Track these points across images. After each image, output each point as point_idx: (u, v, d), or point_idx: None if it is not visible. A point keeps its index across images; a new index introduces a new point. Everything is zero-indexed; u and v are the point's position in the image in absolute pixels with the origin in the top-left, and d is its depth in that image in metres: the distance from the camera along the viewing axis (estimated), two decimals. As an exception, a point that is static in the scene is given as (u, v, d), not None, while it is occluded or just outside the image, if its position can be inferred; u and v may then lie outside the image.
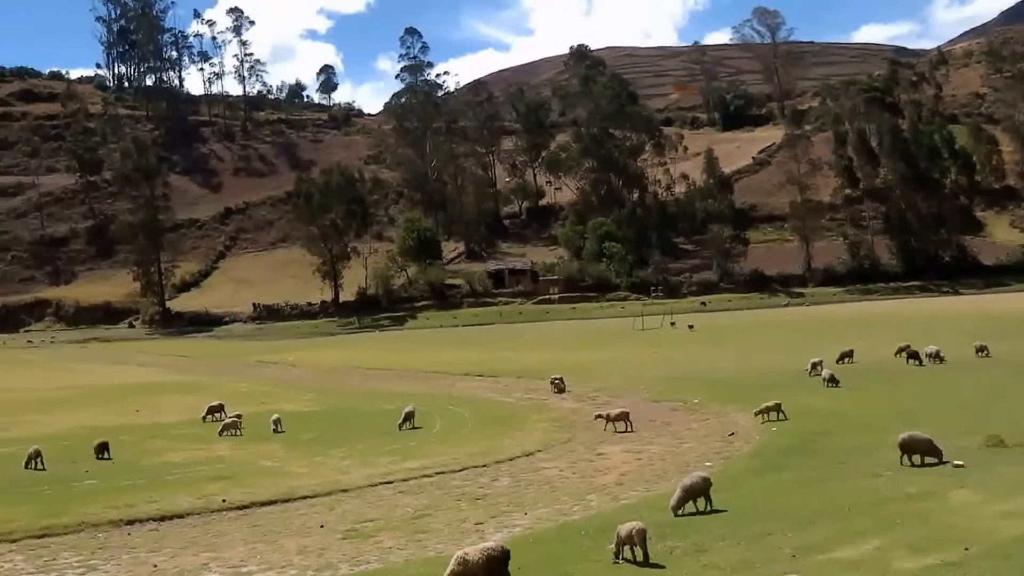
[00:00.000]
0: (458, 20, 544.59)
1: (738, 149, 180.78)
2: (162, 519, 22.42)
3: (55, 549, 20.24)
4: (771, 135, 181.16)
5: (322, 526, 21.77)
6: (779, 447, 27.54)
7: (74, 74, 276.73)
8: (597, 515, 21.34)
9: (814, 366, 43.44)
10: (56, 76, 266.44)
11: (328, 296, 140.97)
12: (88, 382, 61.92)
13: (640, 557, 17.03)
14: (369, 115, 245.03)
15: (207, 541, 20.77)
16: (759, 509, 19.89)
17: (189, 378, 63.15)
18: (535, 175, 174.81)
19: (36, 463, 28.65)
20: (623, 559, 17.14)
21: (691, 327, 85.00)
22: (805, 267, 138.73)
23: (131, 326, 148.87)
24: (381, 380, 56.43)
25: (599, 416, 34.73)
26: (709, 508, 20.18)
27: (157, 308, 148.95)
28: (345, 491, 25.29)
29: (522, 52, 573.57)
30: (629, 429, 33.24)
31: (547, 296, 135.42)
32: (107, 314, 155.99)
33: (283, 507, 23.82)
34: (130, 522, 22.13)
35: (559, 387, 45.02)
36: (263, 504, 23.99)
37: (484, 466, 28.16)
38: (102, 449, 30.27)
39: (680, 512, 20.00)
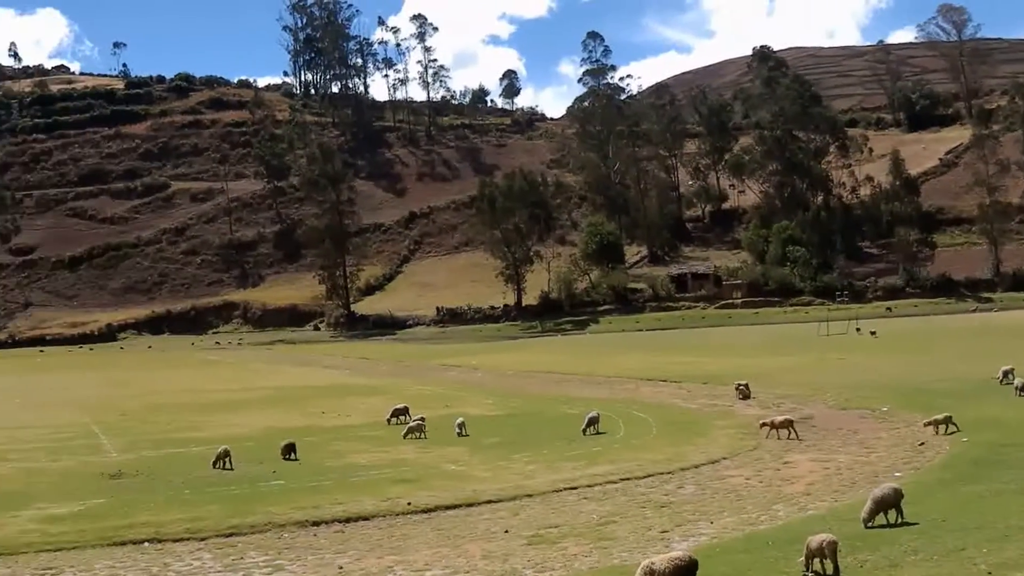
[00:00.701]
0: (639, 23, 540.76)
1: (924, 150, 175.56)
2: (347, 521, 22.38)
3: (242, 548, 20.33)
4: (958, 135, 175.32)
5: (506, 531, 21.43)
6: (971, 458, 26.19)
7: (262, 82, 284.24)
8: (784, 525, 20.58)
9: (1005, 374, 41.20)
10: (245, 84, 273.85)
11: (511, 300, 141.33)
12: (274, 383, 62.98)
13: (830, 570, 16.30)
14: (552, 119, 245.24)
15: (392, 544, 20.62)
16: (952, 522, 18.85)
17: (373, 380, 63.72)
18: (718, 178, 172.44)
19: (225, 463, 29.01)
20: (812, 572, 16.42)
21: (873, 334, 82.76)
22: (994, 271, 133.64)
23: (316, 328, 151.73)
24: (564, 384, 55.97)
25: (764, 424, 33.76)
26: (900, 520, 19.19)
27: (342, 311, 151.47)
28: (529, 496, 24.93)
29: (704, 54, 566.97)
30: (794, 436, 32.22)
31: (730, 301, 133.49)
32: (293, 317, 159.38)
33: (467, 511, 23.56)
34: (316, 523, 22.14)
35: (744, 393, 43.91)
36: (447, 508, 23.77)
37: (669, 473, 27.47)
38: (289, 450, 30.54)
39: (871, 524, 19.08)
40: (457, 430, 35.37)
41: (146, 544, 19.96)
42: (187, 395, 55.98)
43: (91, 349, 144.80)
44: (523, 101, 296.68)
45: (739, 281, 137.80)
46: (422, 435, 35.00)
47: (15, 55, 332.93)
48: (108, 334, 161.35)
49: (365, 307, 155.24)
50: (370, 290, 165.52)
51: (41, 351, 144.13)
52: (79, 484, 26.54)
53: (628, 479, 26.66)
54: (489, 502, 24.31)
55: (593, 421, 34.97)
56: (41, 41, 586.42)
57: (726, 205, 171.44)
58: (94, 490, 25.65)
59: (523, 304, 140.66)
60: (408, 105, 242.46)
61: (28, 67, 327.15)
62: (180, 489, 25.84)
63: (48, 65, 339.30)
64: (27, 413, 48.19)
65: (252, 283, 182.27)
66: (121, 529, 20.87)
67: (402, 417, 39.03)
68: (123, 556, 19.12)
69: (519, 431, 36.71)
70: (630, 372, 58.73)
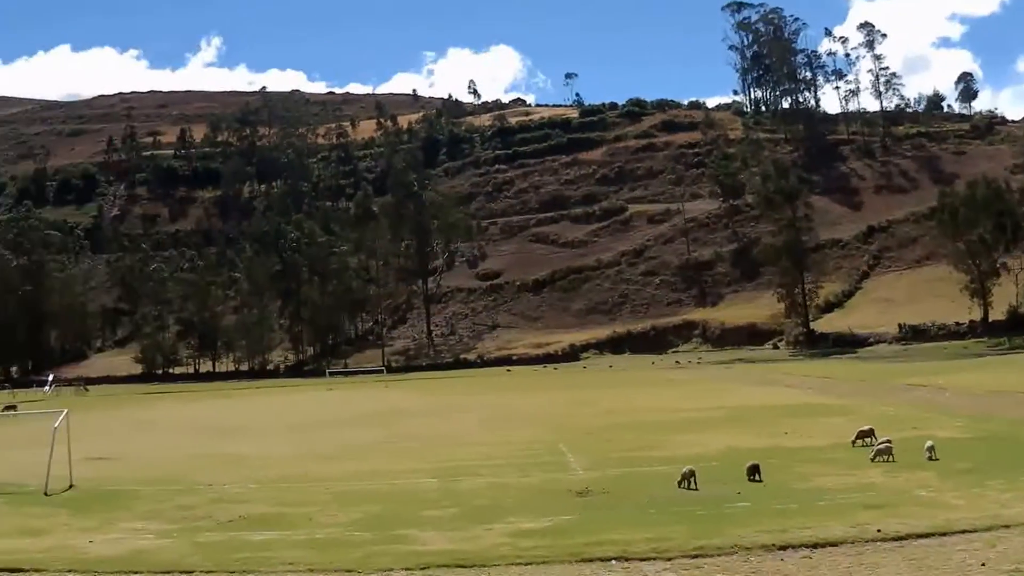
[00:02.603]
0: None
1: None
2: (815, 546, 21.65)
3: (708, 570, 20.07)
4: None
5: (983, 564, 19.98)
6: None
7: (711, 102, 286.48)
8: None
9: None
10: (695, 106, 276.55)
11: (976, 315, 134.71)
12: (735, 403, 62.59)
13: None
14: (1013, 122, 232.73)
15: (861, 572, 19.73)
16: None
17: (835, 400, 62.07)
18: None
19: (689, 483, 28.94)
20: None
21: None
22: None
23: (775, 347, 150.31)
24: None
25: None
26: None
27: (801, 329, 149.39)
28: (1006, 527, 23.26)
29: None
30: None
31: None
32: (751, 335, 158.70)
33: (940, 541, 22.20)
34: (783, 547, 21.56)
35: None
36: (919, 536, 22.51)
37: None
38: (754, 471, 30.12)
39: None
40: (927, 454, 33.73)
41: (613, 562, 20.08)
42: (649, 414, 56.56)
43: (555, 368, 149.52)
44: (981, 104, 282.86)
45: None
46: (890, 458, 33.66)
47: (475, 92, 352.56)
48: (571, 354, 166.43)
49: (824, 325, 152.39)
50: (829, 307, 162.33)
51: (508, 371, 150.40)
52: (547, 500, 27.19)
53: None
54: (963, 532, 22.83)
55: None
56: (497, 77, 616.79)
57: None
58: (562, 507, 26.19)
59: (990, 319, 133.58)
60: (861, 116, 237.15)
61: (487, 102, 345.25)
62: (645, 508, 25.95)
63: (505, 99, 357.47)
64: (495, 430, 50.14)
65: (710, 302, 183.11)
66: (589, 546, 21.12)
67: (867, 439, 37.69)
68: (590, 573, 19.32)
69: (992, 456, 34.49)
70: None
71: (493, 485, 30.31)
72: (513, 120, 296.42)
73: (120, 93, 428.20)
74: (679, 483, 28.87)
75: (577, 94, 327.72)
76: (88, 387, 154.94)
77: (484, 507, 26.21)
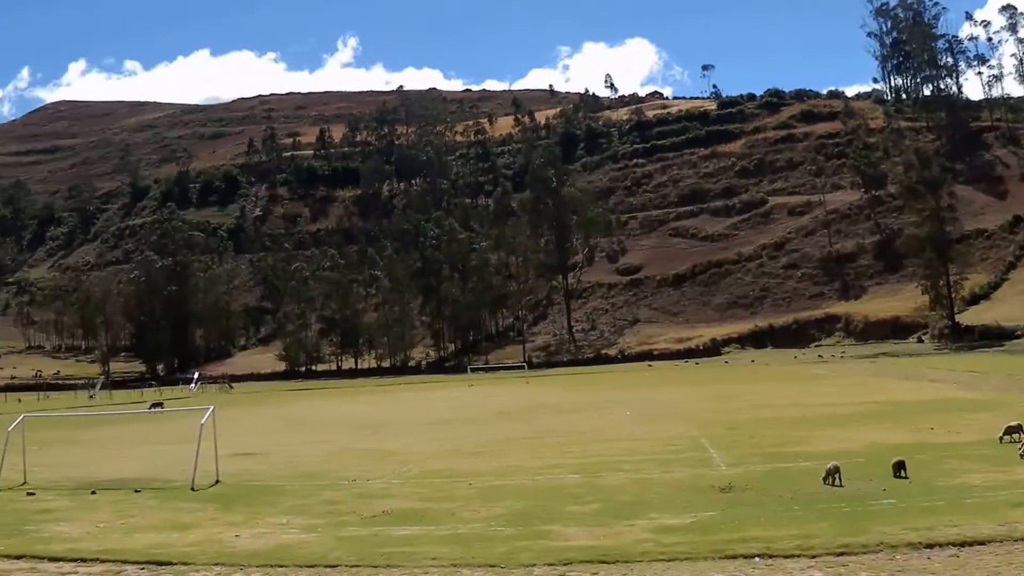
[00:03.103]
0: None
1: None
2: (962, 545, 21.22)
3: (853, 568, 19.82)
4: None
5: None
6: None
7: (850, 91, 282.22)
8: None
9: None
10: (834, 95, 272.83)
11: None
12: (879, 398, 61.59)
13: None
14: None
15: (1010, 572, 19.33)
16: None
17: (982, 395, 60.64)
18: None
19: (834, 479, 28.60)
20: None
21: None
22: None
23: (919, 341, 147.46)
24: None
25: None
26: None
27: (946, 322, 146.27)
28: None
29: None
30: None
31: None
32: (895, 329, 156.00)
33: (1095, 541, 21.66)
34: (929, 545, 21.18)
35: None
36: (1083, 536, 21.97)
37: None
38: (899, 467, 29.62)
39: None
40: (1074, 451, 32.88)
41: (756, 559, 19.98)
42: (792, 409, 55.98)
43: (696, 363, 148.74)
44: None
45: None
46: (1039, 454, 32.86)
47: (611, 86, 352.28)
48: (712, 348, 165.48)
49: (970, 317, 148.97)
50: (975, 299, 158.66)
51: (649, 365, 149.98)
52: (690, 496, 27.13)
53: None
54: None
55: None
56: (633, 70, 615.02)
57: None
58: (705, 503, 26.12)
59: None
60: (1005, 102, 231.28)
61: (624, 96, 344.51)
62: (789, 504, 25.74)
63: (642, 92, 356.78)
64: (638, 426, 50.09)
65: (853, 295, 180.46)
66: (732, 543, 21.04)
67: (1015, 435, 36.84)
68: (734, 570, 19.25)
69: None
70: None
71: (635, 481, 30.33)
72: (650, 114, 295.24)
73: (259, 95, 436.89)
74: (824, 479, 28.58)
75: (714, 86, 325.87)
76: (232, 384, 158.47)
77: (627, 503, 26.26)
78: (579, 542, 20.97)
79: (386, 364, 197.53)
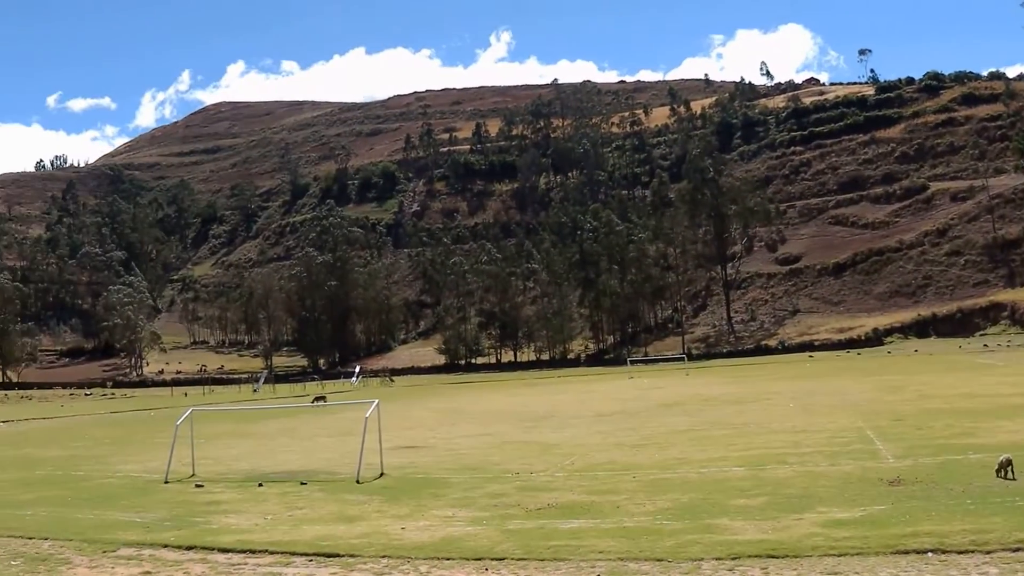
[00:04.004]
0: None
1: None
2: None
3: (1033, 563, 19.27)
4: None
5: None
6: None
7: (1012, 72, 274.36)
8: None
9: None
10: (995, 76, 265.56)
11: None
12: (1049, 388, 59.72)
13: None
14: None
15: None
16: None
17: None
18: None
19: (1007, 472, 27.78)
20: None
21: None
22: None
23: None
24: None
25: None
26: None
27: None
28: None
29: None
30: None
31: None
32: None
33: None
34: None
35: None
36: None
37: None
38: (1005, 467, 28.67)
39: None
40: None
41: (929, 554, 19.48)
42: (959, 399, 54.52)
43: (858, 354, 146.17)
44: None
45: None
46: None
47: (767, 73, 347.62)
48: (874, 339, 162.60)
49: None
50: None
51: (810, 356, 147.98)
52: (859, 489, 26.59)
53: None
54: None
55: None
56: (788, 57, 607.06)
57: None
58: (873, 496, 25.57)
59: None
60: None
61: (780, 83, 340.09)
62: (961, 498, 25.04)
63: (798, 79, 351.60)
64: (802, 417, 49.34)
65: (1020, 283, 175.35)
66: (904, 538, 20.53)
67: None
68: (906, 565, 18.77)
69: None
70: None
71: (802, 473, 29.85)
72: (807, 100, 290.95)
73: (415, 92, 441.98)
74: (997, 472, 27.76)
75: (872, 70, 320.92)
76: (393, 378, 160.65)
77: (794, 496, 25.85)
78: (747, 536, 20.70)
79: (545, 357, 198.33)
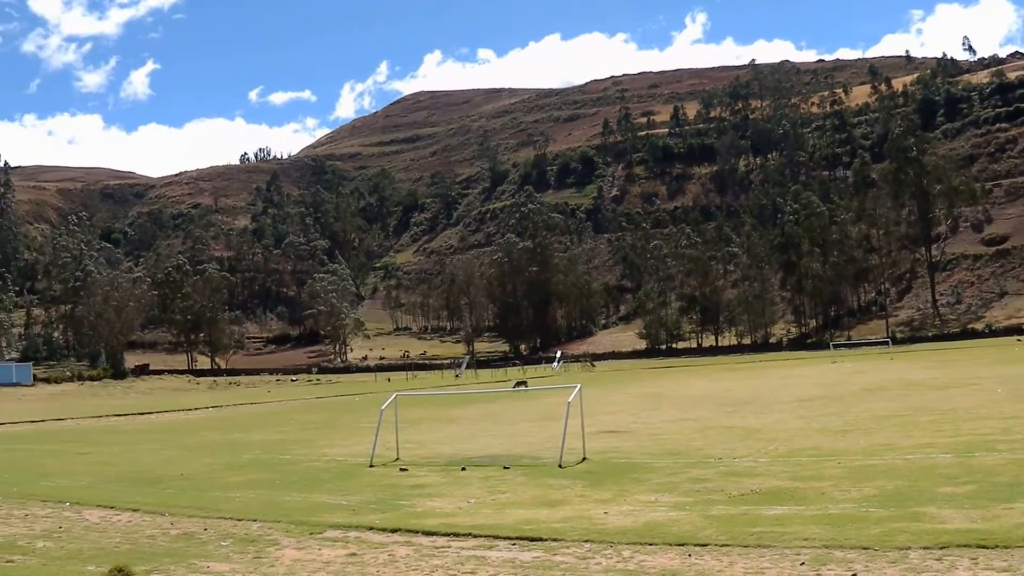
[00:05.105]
0: None
1: None
2: None
3: None
4: None
5: None
6: None
7: None
8: None
9: None
10: None
11: None
12: None
13: None
14: None
15: None
16: None
17: None
18: None
19: None
20: None
21: None
22: None
23: None
24: None
25: None
26: None
27: None
28: None
29: None
30: None
31: None
32: None
33: None
34: None
35: None
36: None
37: None
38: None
39: None
40: None
41: None
42: None
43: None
44: None
45: None
46: None
47: (969, 48, 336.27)
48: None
49: None
50: None
51: (1018, 340, 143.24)
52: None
53: None
54: None
55: None
56: (990, 30, 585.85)
57: None
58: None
59: None
60: None
61: (983, 58, 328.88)
62: None
63: (1001, 53, 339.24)
64: (1011, 404, 47.72)
65: None
66: None
67: None
68: None
69: None
70: None
71: (1012, 461, 28.82)
72: (1012, 75, 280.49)
73: (612, 76, 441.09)
74: None
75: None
76: (594, 363, 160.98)
77: (1004, 484, 24.99)
78: (955, 525, 20.10)
79: (746, 341, 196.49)
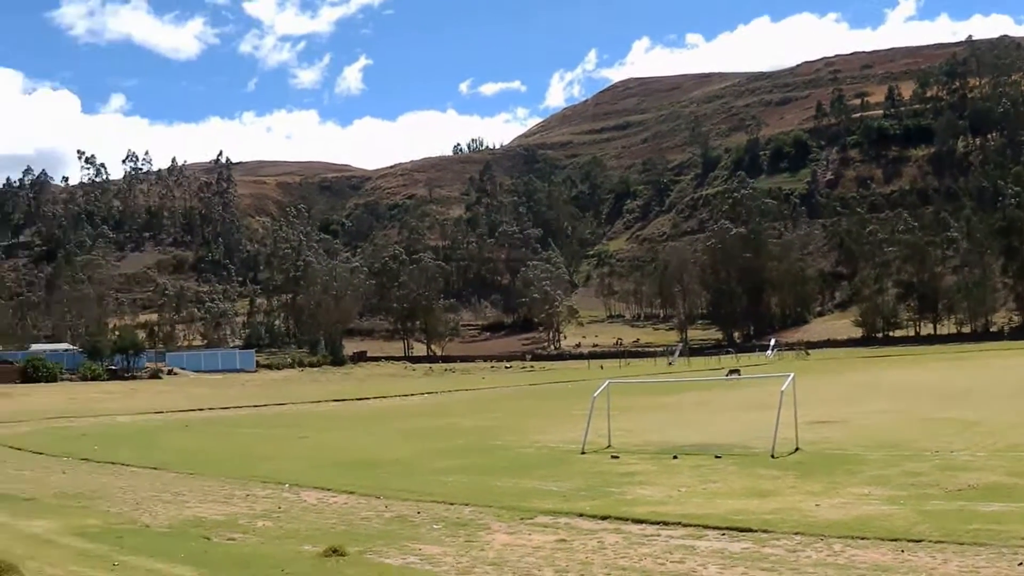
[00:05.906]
0: None
1: None
2: None
3: None
4: None
5: None
6: None
7: None
8: None
9: None
10: None
11: None
12: None
13: None
14: None
15: None
16: None
17: None
18: None
19: None
20: None
21: None
22: None
23: None
24: None
25: None
26: None
27: None
28: None
29: None
30: None
31: None
32: None
33: None
34: None
35: None
36: None
37: None
38: None
39: None
40: None
41: None
42: None
43: None
44: None
45: None
46: None
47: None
48: None
49: None
50: None
51: None
52: None
53: None
54: None
55: None
56: None
57: None
58: None
59: None
60: None
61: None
62: None
63: None
64: None
65: None
66: None
67: None
68: None
69: None
70: None
71: None
72: None
73: (824, 57, 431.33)
74: None
75: None
76: (808, 351, 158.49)
77: None
78: None
79: (966, 330, 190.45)
